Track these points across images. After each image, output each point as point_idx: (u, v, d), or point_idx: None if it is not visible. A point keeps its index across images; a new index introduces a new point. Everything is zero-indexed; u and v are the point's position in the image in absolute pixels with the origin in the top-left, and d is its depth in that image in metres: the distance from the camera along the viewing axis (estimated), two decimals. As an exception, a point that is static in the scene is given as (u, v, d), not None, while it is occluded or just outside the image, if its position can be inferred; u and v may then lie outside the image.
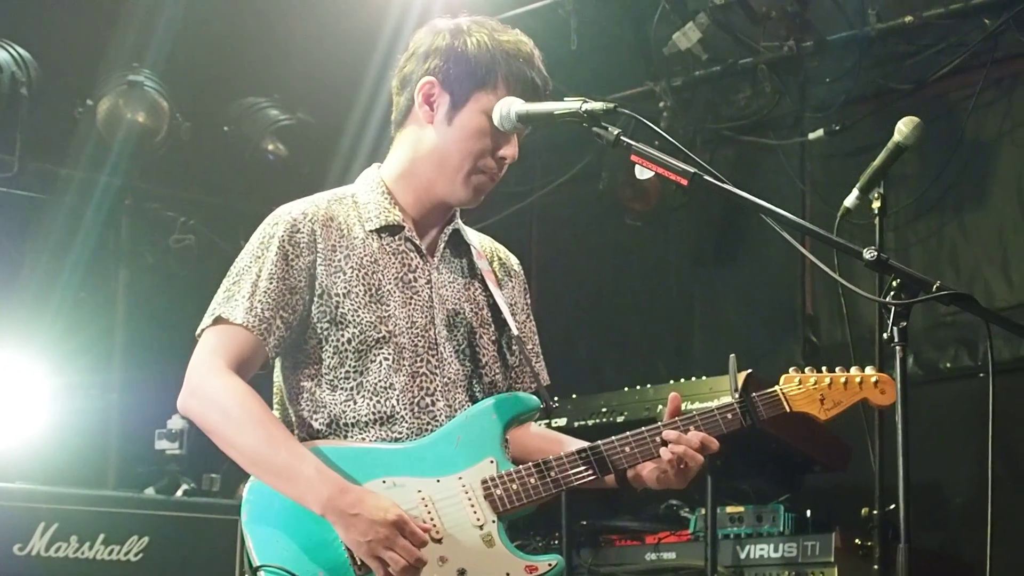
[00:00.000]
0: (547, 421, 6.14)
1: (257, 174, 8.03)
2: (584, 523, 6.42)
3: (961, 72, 6.81)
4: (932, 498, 6.22)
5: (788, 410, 3.64)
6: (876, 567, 5.36)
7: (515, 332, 3.63)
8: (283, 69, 8.02)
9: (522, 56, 3.52)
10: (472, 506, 3.36)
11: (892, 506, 3.74)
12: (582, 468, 3.46)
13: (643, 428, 3.53)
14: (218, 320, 3.44)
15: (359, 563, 3.26)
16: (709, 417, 3.56)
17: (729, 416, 3.57)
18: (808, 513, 5.93)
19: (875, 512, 5.31)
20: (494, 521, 3.37)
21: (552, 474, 3.43)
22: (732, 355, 3.62)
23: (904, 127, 5.08)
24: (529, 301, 3.83)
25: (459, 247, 3.68)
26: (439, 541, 3.31)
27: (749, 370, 3.64)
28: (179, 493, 6.32)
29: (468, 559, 3.32)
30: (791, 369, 3.69)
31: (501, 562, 3.34)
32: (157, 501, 6.01)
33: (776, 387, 3.67)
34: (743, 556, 5.91)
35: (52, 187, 7.61)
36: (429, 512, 3.34)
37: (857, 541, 5.71)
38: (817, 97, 7.28)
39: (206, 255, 7.81)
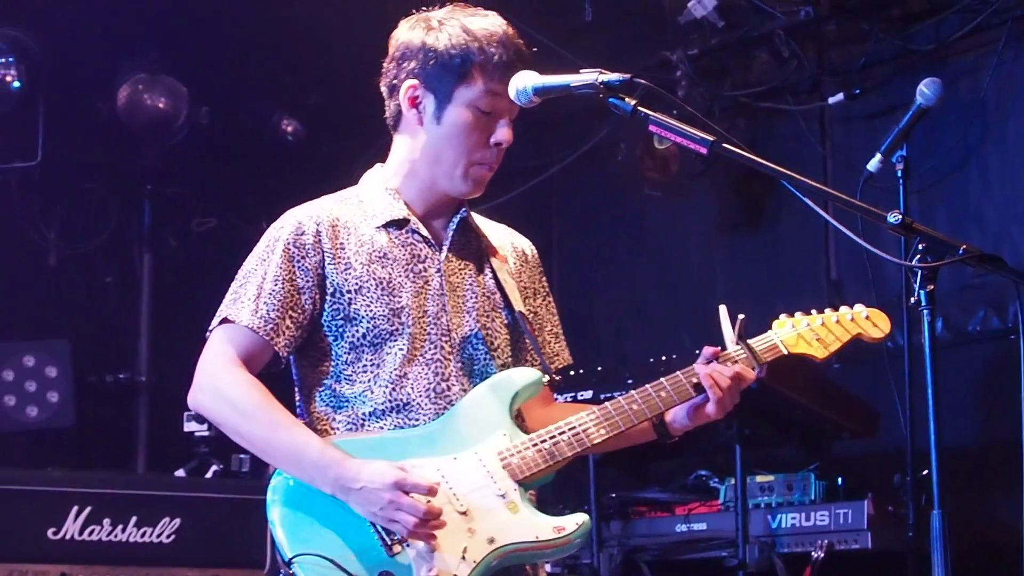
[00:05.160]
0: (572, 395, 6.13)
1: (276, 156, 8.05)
2: (613, 495, 6.41)
3: (981, 31, 6.73)
4: (966, 463, 6.18)
5: (785, 352, 3.64)
6: (911, 534, 5.35)
7: (520, 311, 3.62)
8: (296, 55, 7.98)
9: (496, 40, 3.50)
10: (491, 477, 3.39)
11: (925, 471, 3.74)
12: (592, 428, 3.48)
13: (647, 385, 3.54)
14: (224, 321, 3.50)
15: (387, 540, 3.28)
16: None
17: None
18: (840, 480, 5.92)
19: (907, 478, 5.29)
20: (515, 489, 3.39)
21: (565, 437, 3.46)
22: (722, 305, 3.62)
23: (926, 89, 5.06)
24: (547, 284, 3.83)
25: (468, 234, 3.68)
26: (464, 514, 3.34)
27: (742, 315, 3.63)
28: (209, 475, 6.34)
29: (495, 527, 3.34)
30: (782, 315, 3.69)
31: (528, 526, 3.36)
32: (188, 482, 6.06)
33: (770, 332, 3.67)
34: (775, 525, 5.89)
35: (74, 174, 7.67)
36: (451, 487, 3.36)
37: (890, 508, 5.69)
38: (835, 61, 7.22)
39: (229, 237, 7.83)
